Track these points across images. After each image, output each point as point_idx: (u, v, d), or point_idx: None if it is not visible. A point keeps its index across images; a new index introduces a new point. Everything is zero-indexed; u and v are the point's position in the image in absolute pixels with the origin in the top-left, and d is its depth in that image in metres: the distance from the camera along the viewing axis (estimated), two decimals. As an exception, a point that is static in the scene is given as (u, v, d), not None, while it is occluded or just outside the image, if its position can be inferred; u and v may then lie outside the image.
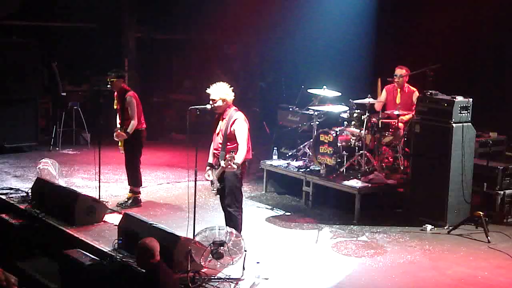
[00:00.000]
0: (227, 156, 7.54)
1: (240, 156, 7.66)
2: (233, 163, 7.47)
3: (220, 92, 7.86)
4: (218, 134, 7.95)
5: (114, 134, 9.65)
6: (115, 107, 9.81)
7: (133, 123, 9.54)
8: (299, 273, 7.60)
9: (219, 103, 7.85)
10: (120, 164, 10.12)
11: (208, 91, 7.92)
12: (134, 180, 9.78)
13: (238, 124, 7.80)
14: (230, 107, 7.93)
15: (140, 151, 9.77)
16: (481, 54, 11.23)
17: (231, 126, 7.80)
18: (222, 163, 7.61)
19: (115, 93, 9.77)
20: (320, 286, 7.31)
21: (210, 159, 8.07)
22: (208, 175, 7.97)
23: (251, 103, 12.83)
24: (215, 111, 7.92)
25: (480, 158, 9.70)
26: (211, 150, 8.10)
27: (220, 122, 7.94)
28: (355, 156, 10.08)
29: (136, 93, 9.82)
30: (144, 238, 6.75)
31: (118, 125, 9.70)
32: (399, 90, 10.43)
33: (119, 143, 9.68)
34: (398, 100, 10.40)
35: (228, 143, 7.81)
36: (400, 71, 10.35)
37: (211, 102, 7.87)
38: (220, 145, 7.88)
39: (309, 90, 10.96)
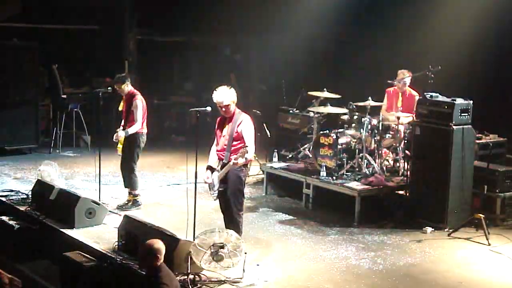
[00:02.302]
0: (241, 149, 7.53)
1: (249, 154, 7.66)
2: (244, 157, 7.47)
3: (229, 96, 7.84)
4: (222, 136, 7.94)
5: (114, 135, 9.62)
6: (120, 109, 9.80)
7: (136, 126, 9.52)
8: (299, 276, 7.59)
9: (231, 107, 7.85)
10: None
11: (217, 99, 7.84)
12: (131, 183, 9.77)
13: (245, 124, 7.81)
14: (235, 109, 7.94)
15: (138, 155, 9.74)
16: (482, 56, 11.23)
17: (237, 127, 7.80)
18: (232, 160, 7.58)
19: (123, 96, 9.75)
20: (320, 288, 7.32)
21: (210, 162, 8.05)
22: (208, 177, 7.96)
23: (252, 106, 12.82)
24: (226, 115, 7.89)
25: (481, 160, 9.70)
26: (211, 153, 8.09)
27: (226, 124, 7.92)
28: (355, 158, 10.08)
29: (137, 95, 9.82)
30: (151, 239, 6.72)
31: (121, 127, 9.69)
32: (400, 93, 10.43)
33: (119, 144, 9.67)
34: (399, 104, 10.40)
35: (234, 144, 7.80)
36: (402, 75, 10.35)
37: (224, 108, 7.84)
38: (225, 147, 7.87)
39: (309, 93, 10.97)
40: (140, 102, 9.58)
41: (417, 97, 10.19)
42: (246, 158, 7.55)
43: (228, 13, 14.44)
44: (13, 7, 14.22)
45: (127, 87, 9.66)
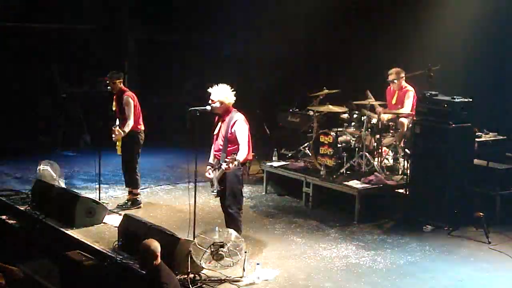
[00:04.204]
0: (229, 157, 7.57)
1: (241, 155, 7.69)
2: (234, 164, 7.52)
3: (220, 94, 7.89)
4: (218, 136, 7.97)
5: (112, 134, 9.62)
6: (113, 109, 9.80)
7: (129, 123, 9.51)
8: (299, 274, 7.59)
9: (217, 104, 7.89)
10: (120, 166, 10.10)
11: (210, 91, 7.94)
12: (132, 182, 9.77)
13: (238, 125, 7.82)
14: (230, 109, 7.95)
15: (138, 153, 9.74)
16: (481, 54, 11.22)
17: (231, 128, 7.82)
18: (224, 165, 7.62)
19: (114, 96, 9.76)
20: (320, 287, 7.30)
21: (211, 160, 8.08)
22: (209, 173, 7.99)
23: (251, 105, 12.82)
24: (213, 111, 7.95)
25: (480, 158, 9.69)
26: (212, 151, 8.11)
27: (220, 124, 7.97)
28: (355, 157, 10.08)
29: (136, 95, 9.81)
30: (146, 240, 6.75)
31: (117, 126, 9.69)
32: (397, 91, 10.43)
33: (117, 143, 9.67)
34: (394, 101, 10.42)
35: (229, 145, 7.84)
36: (391, 76, 10.35)
37: (210, 102, 7.91)
38: (221, 147, 7.90)
39: (309, 92, 10.97)
40: (130, 99, 9.57)
41: (410, 92, 10.22)
42: (236, 164, 7.57)
43: (227, 12, 14.43)
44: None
45: (120, 85, 9.68)
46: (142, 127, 9.71)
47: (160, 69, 15.74)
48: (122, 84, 9.75)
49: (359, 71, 12.32)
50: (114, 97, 9.75)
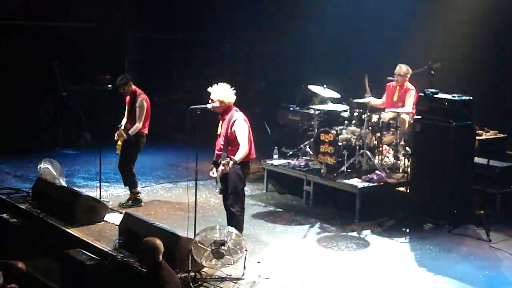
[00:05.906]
0: (224, 160, 7.59)
1: (239, 155, 7.71)
2: (230, 165, 7.57)
3: (219, 93, 7.90)
4: (219, 135, 7.98)
5: (116, 133, 9.63)
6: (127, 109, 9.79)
7: (137, 126, 9.50)
8: (299, 272, 7.60)
9: (216, 104, 7.91)
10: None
11: (210, 90, 7.95)
12: (130, 182, 9.77)
13: (238, 124, 7.83)
14: (230, 108, 7.96)
15: (136, 155, 9.73)
16: (482, 52, 11.22)
17: (231, 128, 7.83)
18: (220, 166, 7.65)
19: (127, 98, 9.75)
20: (321, 285, 7.32)
21: (216, 158, 8.09)
22: (213, 173, 8.01)
23: (252, 103, 12.84)
24: (213, 110, 7.96)
25: (481, 156, 9.69)
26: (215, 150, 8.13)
27: (221, 123, 7.98)
28: (355, 155, 10.08)
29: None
30: (148, 238, 6.74)
31: (122, 125, 9.69)
32: (398, 88, 10.43)
33: (118, 142, 9.66)
34: (395, 98, 10.41)
35: (230, 144, 7.84)
36: (399, 70, 10.33)
37: (210, 101, 7.93)
38: (222, 146, 7.91)
39: (309, 87, 10.96)
40: (144, 102, 9.57)
41: (412, 91, 10.21)
42: (230, 167, 7.64)
43: (228, 11, 14.44)
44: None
45: (131, 87, 9.67)
46: (146, 131, 9.69)
47: (160, 67, 15.74)
48: (133, 86, 9.72)
49: (359, 70, 12.33)
50: (128, 98, 9.73)
